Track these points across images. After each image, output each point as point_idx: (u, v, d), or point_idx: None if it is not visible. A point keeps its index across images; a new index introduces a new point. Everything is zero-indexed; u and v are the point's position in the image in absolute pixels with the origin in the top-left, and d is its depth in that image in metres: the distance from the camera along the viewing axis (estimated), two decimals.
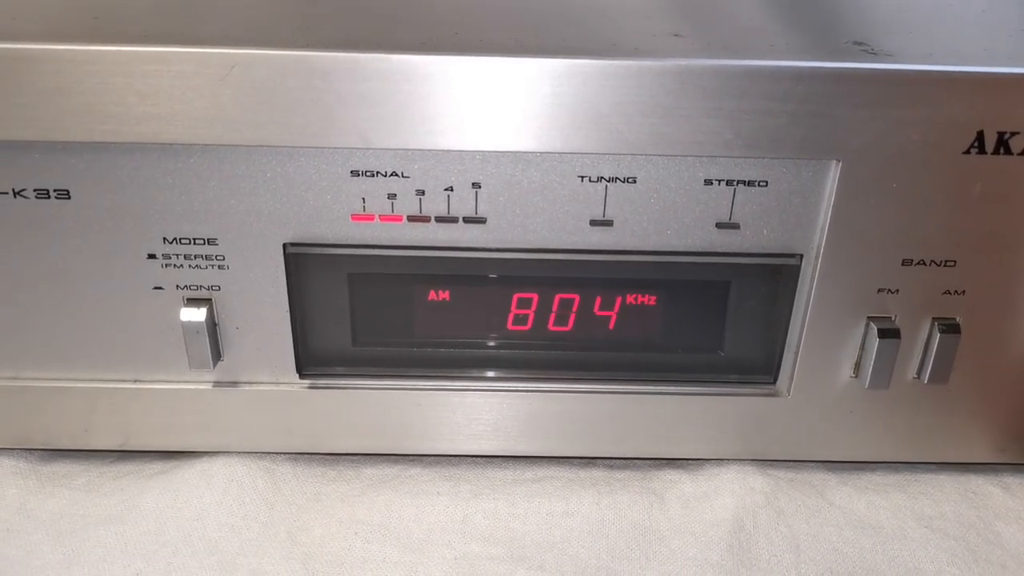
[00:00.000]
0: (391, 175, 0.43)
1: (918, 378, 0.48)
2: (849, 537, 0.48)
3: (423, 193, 0.44)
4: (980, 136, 0.41)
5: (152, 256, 0.45)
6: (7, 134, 0.41)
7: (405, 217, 0.45)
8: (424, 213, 0.45)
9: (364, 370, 0.50)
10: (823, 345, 0.47)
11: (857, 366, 0.48)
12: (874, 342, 0.46)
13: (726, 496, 0.50)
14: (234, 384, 0.49)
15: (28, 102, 0.40)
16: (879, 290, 0.46)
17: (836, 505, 0.50)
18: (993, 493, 0.51)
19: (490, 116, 0.40)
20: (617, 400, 0.50)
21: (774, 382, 0.50)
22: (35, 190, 0.43)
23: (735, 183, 0.44)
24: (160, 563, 0.45)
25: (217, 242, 0.45)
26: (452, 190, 0.44)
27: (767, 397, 0.50)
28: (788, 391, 0.49)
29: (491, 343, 0.50)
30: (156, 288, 0.46)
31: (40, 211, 0.44)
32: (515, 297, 0.48)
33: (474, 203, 0.44)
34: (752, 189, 0.44)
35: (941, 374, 0.47)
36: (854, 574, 0.46)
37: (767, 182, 0.44)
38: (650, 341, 0.49)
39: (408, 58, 0.39)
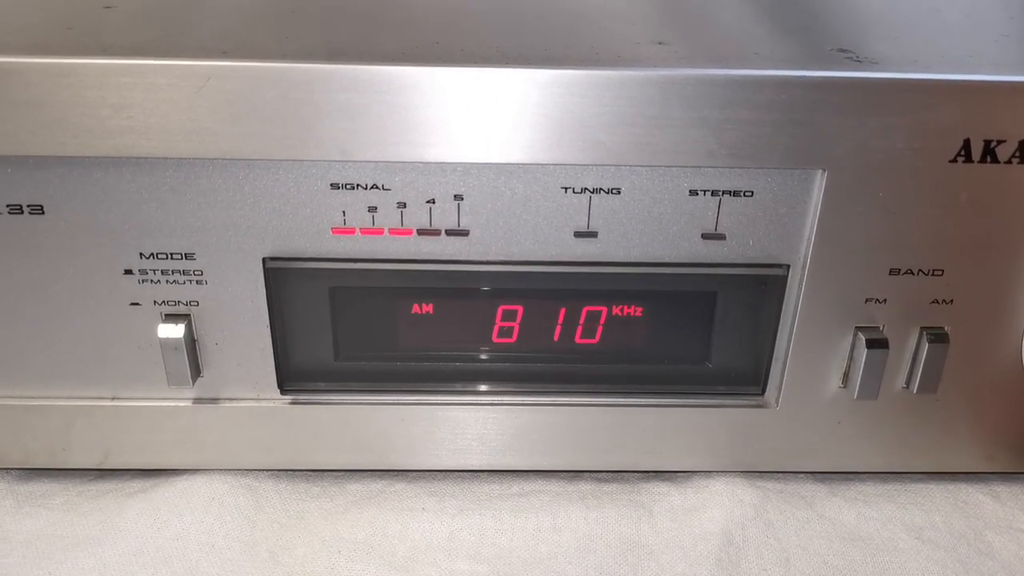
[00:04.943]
0: (371, 188, 0.43)
1: (907, 388, 0.48)
2: (839, 549, 0.48)
3: (404, 206, 0.43)
4: (967, 144, 0.41)
5: (129, 272, 0.44)
6: None
7: (386, 230, 0.44)
8: (406, 226, 0.44)
9: (347, 385, 0.49)
10: (811, 355, 0.47)
11: (845, 376, 0.47)
12: (862, 352, 0.46)
13: (715, 509, 0.49)
14: (214, 401, 0.48)
15: None
16: (866, 300, 0.45)
17: (826, 517, 0.50)
18: (983, 502, 0.51)
19: (471, 127, 0.40)
20: (604, 413, 0.49)
21: (762, 393, 0.49)
22: (8, 205, 0.42)
23: (720, 193, 0.43)
24: None
25: (195, 257, 0.44)
26: (434, 202, 0.43)
27: (755, 408, 0.49)
28: (776, 402, 0.49)
29: (476, 356, 0.49)
30: (133, 304, 0.45)
31: (14, 227, 0.43)
32: (500, 309, 0.47)
33: (456, 215, 0.44)
34: (737, 199, 0.43)
35: (930, 383, 0.47)
36: None
37: (752, 192, 0.43)
38: (637, 353, 0.49)
39: (388, 69, 0.39)
